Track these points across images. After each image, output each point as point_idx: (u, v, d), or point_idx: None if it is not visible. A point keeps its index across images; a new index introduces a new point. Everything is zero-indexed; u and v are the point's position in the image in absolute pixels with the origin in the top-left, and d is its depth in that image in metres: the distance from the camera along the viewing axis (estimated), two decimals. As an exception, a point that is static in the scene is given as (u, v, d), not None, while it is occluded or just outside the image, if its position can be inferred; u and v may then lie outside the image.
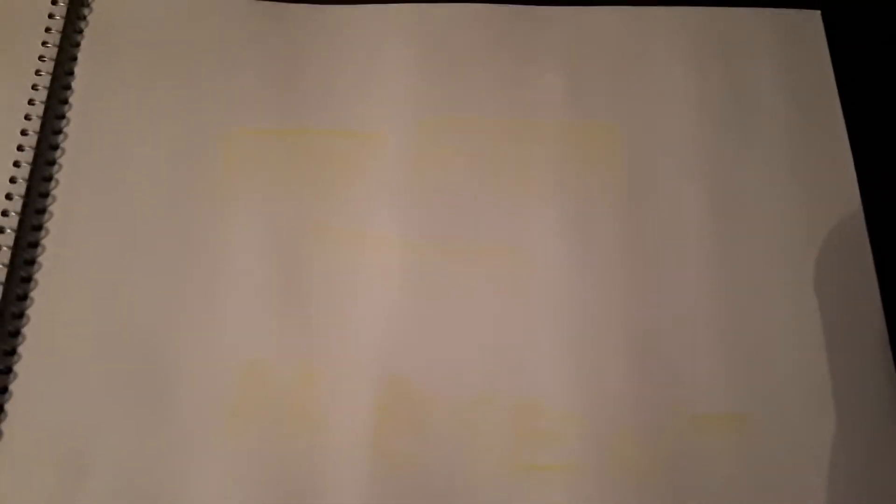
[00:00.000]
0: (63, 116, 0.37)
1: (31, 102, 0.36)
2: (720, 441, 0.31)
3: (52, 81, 0.37)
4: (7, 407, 0.31)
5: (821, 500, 0.30)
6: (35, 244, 0.34)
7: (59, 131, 0.36)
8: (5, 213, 0.34)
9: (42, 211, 0.35)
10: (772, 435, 0.31)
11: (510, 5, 0.39)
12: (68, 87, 0.37)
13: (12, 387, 0.32)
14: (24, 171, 0.35)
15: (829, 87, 0.37)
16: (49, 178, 0.35)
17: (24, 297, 0.33)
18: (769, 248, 0.34)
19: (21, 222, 0.34)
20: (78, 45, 0.38)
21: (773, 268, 0.34)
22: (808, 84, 0.37)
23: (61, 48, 0.38)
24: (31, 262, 0.34)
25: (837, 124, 0.36)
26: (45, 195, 0.35)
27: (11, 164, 0.35)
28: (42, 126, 0.36)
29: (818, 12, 0.38)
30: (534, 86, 0.37)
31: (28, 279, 0.33)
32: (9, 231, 0.34)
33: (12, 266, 0.33)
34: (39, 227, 0.34)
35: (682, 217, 0.34)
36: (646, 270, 0.34)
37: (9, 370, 0.32)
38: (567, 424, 0.31)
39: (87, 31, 0.38)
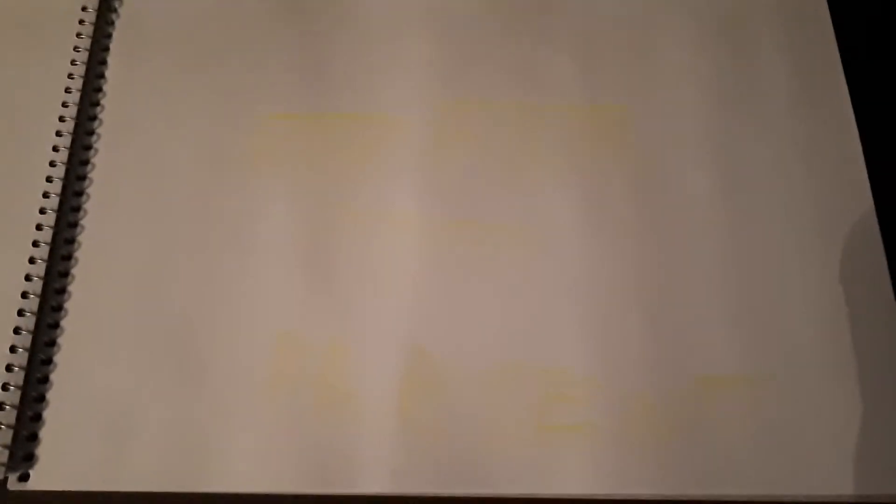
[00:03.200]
0: (98, 104, 0.38)
1: (67, 91, 0.38)
2: (734, 402, 0.32)
3: (87, 72, 0.39)
4: (52, 377, 0.33)
5: (835, 461, 0.31)
6: (74, 224, 0.36)
7: (95, 118, 0.38)
8: (46, 196, 0.36)
9: (80, 193, 0.36)
10: (786, 397, 0.32)
11: (523, -9, 0.40)
12: (102, 76, 0.39)
13: (56, 357, 0.33)
14: (63, 155, 0.37)
15: (834, 63, 0.38)
16: (86, 163, 0.37)
17: (66, 274, 0.35)
18: (778, 217, 0.35)
19: (61, 204, 0.36)
20: (110, 36, 0.40)
21: (783, 236, 0.35)
22: (813, 60, 0.38)
23: (94, 41, 0.39)
24: (71, 241, 0.35)
25: (843, 100, 0.37)
26: (83, 178, 0.37)
27: (51, 150, 0.37)
28: (78, 114, 0.38)
29: (822, -9, 0.39)
30: (546, 70, 0.39)
31: (68, 257, 0.35)
32: (50, 212, 0.35)
33: (53, 246, 0.35)
34: (78, 209, 0.36)
35: (693, 191, 0.36)
36: (658, 243, 0.35)
37: (53, 343, 0.34)
38: (586, 389, 0.33)
39: (118, 24, 0.40)
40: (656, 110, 0.37)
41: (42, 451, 0.32)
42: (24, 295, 0.34)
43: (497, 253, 0.35)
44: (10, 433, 0.31)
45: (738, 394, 0.32)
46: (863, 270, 0.34)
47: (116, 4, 0.41)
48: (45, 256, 0.35)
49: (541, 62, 0.39)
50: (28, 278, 0.34)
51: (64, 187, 0.36)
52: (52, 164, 0.36)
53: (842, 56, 0.38)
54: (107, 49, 0.40)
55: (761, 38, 0.39)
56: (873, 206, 0.35)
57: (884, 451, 0.31)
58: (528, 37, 0.39)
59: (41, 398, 0.33)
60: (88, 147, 0.37)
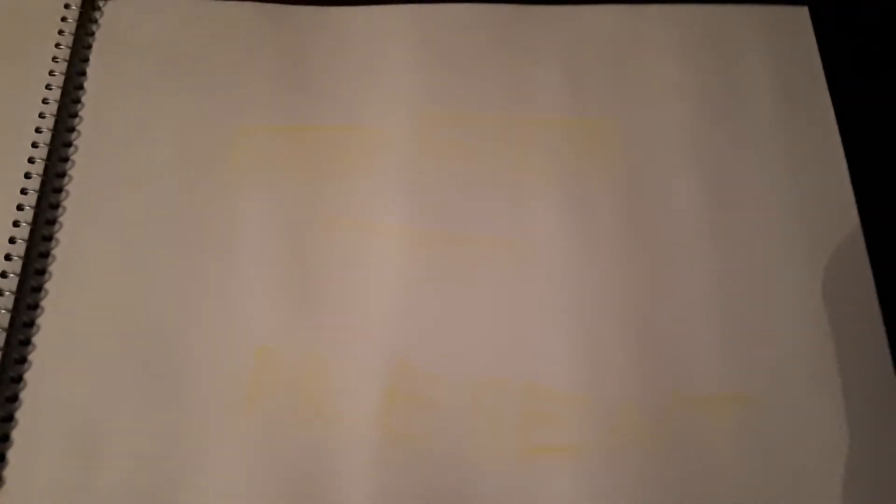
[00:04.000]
0: (76, 115, 0.38)
1: (45, 101, 0.37)
2: (722, 421, 0.32)
3: (65, 81, 0.38)
4: (22, 395, 0.32)
5: (821, 480, 0.31)
6: (49, 237, 0.35)
7: (73, 129, 0.37)
8: (20, 208, 0.35)
9: (56, 206, 0.36)
10: (773, 415, 0.32)
11: (508, 5, 0.40)
12: (80, 87, 0.38)
13: (27, 375, 0.32)
14: (39, 167, 0.36)
15: (818, 80, 0.38)
16: (63, 174, 0.36)
17: (39, 288, 0.34)
18: (765, 233, 0.35)
19: (36, 215, 0.35)
20: (89, 46, 0.39)
21: (769, 252, 0.34)
22: (798, 78, 0.38)
23: (73, 49, 0.39)
24: (46, 254, 0.34)
25: (827, 115, 0.37)
26: (59, 190, 0.36)
27: (27, 161, 0.36)
28: (56, 124, 0.37)
29: (805, 8, 0.39)
30: (532, 83, 0.38)
31: (42, 272, 0.34)
32: (24, 225, 0.34)
33: (27, 259, 0.34)
34: (54, 221, 0.35)
35: (680, 205, 0.35)
36: (645, 257, 0.34)
37: (23, 360, 0.32)
38: (572, 407, 0.32)
39: (98, 34, 0.40)
40: (643, 123, 0.37)
41: (9, 472, 0.31)
42: (-5, 310, 0.33)
43: (482, 266, 0.34)
44: (-25, 454, 0.30)
45: (726, 412, 0.32)
46: (849, 286, 0.34)
47: (97, 15, 0.40)
48: (18, 270, 0.34)
49: (527, 74, 0.38)
50: (-1, 293, 0.33)
51: (39, 198, 0.35)
52: (27, 175, 0.36)
53: (825, 69, 0.38)
54: (86, 60, 0.39)
55: (746, 52, 0.39)
56: (859, 221, 0.35)
57: (871, 471, 0.31)
58: (514, 49, 0.39)
59: (9, 417, 0.31)
60: (65, 159, 0.37)
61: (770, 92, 0.38)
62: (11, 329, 0.33)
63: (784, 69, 0.38)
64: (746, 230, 0.35)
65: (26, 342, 0.33)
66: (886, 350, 0.33)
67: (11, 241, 0.34)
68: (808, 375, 0.32)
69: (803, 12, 0.39)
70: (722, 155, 0.37)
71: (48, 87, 0.38)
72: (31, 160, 0.36)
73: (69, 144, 0.37)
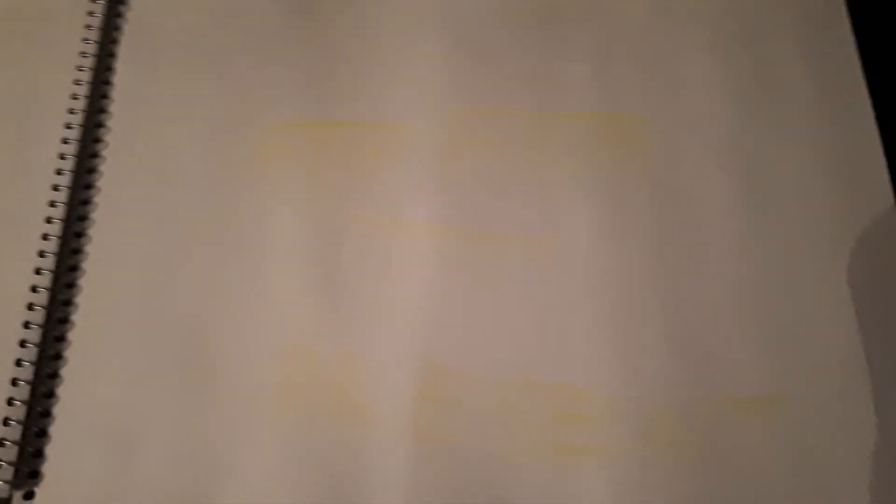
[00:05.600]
0: (105, 111, 0.38)
1: (73, 97, 0.37)
2: (756, 423, 0.31)
3: (94, 77, 0.38)
4: (58, 391, 0.32)
5: (856, 481, 0.30)
6: (81, 234, 0.35)
7: (102, 125, 0.37)
8: (53, 204, 0.35)
9: (87, 202, 0.36)
10: (807, 416, 0.31)
11: (537, -4, 0.40)
12: (108, 83, 0.38)
13: (62, 371, 0.33)
14: (69, 163, 0.36)
15: (855, 72, 0.37)
16: (93, 170, 0.36)
17: (72, 285, 0.34)
18: (800, 232, 0.34)
19: (68, 213, 0.35)
20: (116, 41, 0.39)
21: (805, 250, 0.34)
22: (833, 65, 0.37)
23: (101, 46, 0.39)
24: (78, 251, 0.35)
25: (864, 105, 0.36)
26: (90, 187, 0.36)
27: (57, 157, 0.36)
28: (85, 120, 0.37)
29: (841, -5, 0.38)
30: (560, 76, 0.38)
31: (75, 268, 0.34)
32: (56, 221, 0.35)
33: (59, 256, 0.34)
34: (85, 218, 0.35)
35: (713, 203, 0.35)
36: (679, 257, 0.34)
37: (59, 356, 0.33)
38: (603, 408, 0.32)
39: (125, 28, 0.39)
40: (675, 119, 0.37)
41: (48, 468, 0.31)
42: (30, 307, 0.33)
43: (513, 265, 0.34)
44: (14, 450, 0.31)
45: (761, 415, 0.31)
46: (884, 286, 0.33)
47: (123, 9, 0.40)
48: (51, 267, 0.34)
49: (556, 70, 0.38)
50: (34, 289, 0.33)
51: (70, 196, 0.35)
52: (58, 172, 0.36)
53: (862, 61, 0.37)
54: (113, 55, 0.39)
55: (781, 45, 0.38)
56: (896, 215, 0.34)
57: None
58: (543, 44, 0.38)
59: (47, 413, 0.32)
60: (95, 155, 0.37)
61: (805, 85, 0.37)
62: (47, 325, 0.33)
63: (819, 61, 0.37)
64: (780, 229, 0.34)
65: (61, 338, 0.33)
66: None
67: (45, 237, 0.34)
68: (843, 376, 0.32)
69: (839, 1, 0.38)
70: (756, 151, 0.36)
71: (77, 82, 0.38)
72: (62, 156, 0.36)
73: (99, 140, 0.37)
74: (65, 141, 0.36)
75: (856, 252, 0.34)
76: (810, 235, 0.34)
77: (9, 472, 0.30)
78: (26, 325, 0.33)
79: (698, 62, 0.38)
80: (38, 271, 0.34)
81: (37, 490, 0.31)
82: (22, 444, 0.31)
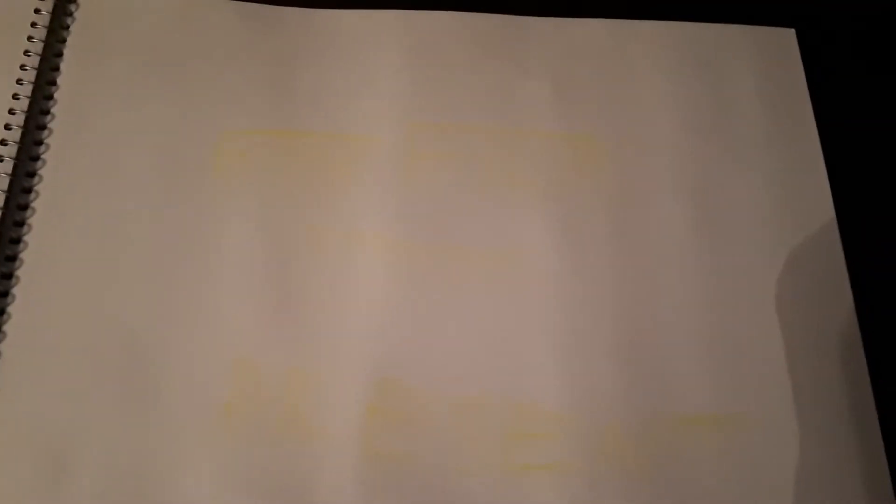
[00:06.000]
0: (48, 112, 0.36)
1: (15, 97, 0.36)
2: (707, 441, 0.32)
3: (37, 77, 0.36)
4: (-14, 406, 0.30)
5: (806, 501, 0.31)
6: (17, 240, 0.33)
7: (44, 127, 0.36)
8: (-13, 208, 0.33)
9: (25, 207, 0.34)
10: (757, 435, 0.32)
11: (497, 14, 0.40)
12: (53, 83, 0.37)
13: (-8, 385, 0.31)
14: (7, 165, 0.34)
15: (804, 101, 0.38)
16: (32, 174, 0.35)
17: (5, 294, 0.32)
18: (749, 253, 0.35)
19: (3, 218, 0.33)
20: (64, 41, 0.38)
21: (754, 272, 0.35)
22: (784, 97, 0.38)
23: (47, 44, 0.37)
24: (13, 258, 0.33)
25: (812, 135, 0.37)
26: (29, 191, 0.34)
27: (-6, 159, 0.34)
28: (26, 121, 0.35)
29: (793, 30, 0.40)
30: (520, 95, 0.38)
31: (9, 276, 0.33)
32: (-10, 226, 0.33)
33: (-7, 262, 0.32)
34: (22, 223, 0.34)
35: (667, 224, 0.35)
36: (632, 275, 0.34)
37: (-12, 368, 0.31)
38: (558, 425, 0.32)
39: (73, 28, 0.38)
40: (631, 139, 0.37)
41: (-28, 488, 0.29)
42: (-42, 316, 0.31)
43: (468, 280, 0.34)
44: (-65, 468, 0.29)
45: (711, 432, 0.32)
46: (830, 306, 0.34)
47: (72, 8, 0.39)
48: (-17, 274, 0.32)
49: (516, 86, 0.38)
50: (-37, 297, 0.32)
51: (7, 199, 0.34)
52: (-5, 172, 0.34)
53: (810, 89, 0.38)
54: (60, 55, 0.37)
55: (734, 71, 0.39)
56: (840, 241, 0.35)
57: (856, 490, 0.31)
58: (504, 62, 0.38)
59: (-27, 429, 0.30)
60: (36, 157, 0.35)
61: (757, 111, 0.38)
62: (-25, 336, 0.31)
63: (771, 89, 0.38)
64: (730, 249, 0.35)
65: (-9, 350, 0.31)
66: (865, 370, 0.33)
67: (-23, 243, 0.33)
68: (792, 396, 0.32)
69: (790, 34, 0.40)
70: (709, 173, 0.37)
71: (19, 81, 0.36)
72: (-1, 158, 0.34)
73: (40, 143, 0.35)
74: (2, 142, 0.35)
75: (802, 270, 0.35)
76: (759, 256, 0.35)
77: (-73, 493, 0.28)
78: (-47, 335, 0.31)
79: (655, 86, 0.38)
80: (-32, 278, 0.32)
81: (-43, 512, 0.29)
82: (-57, 462, 0.29)
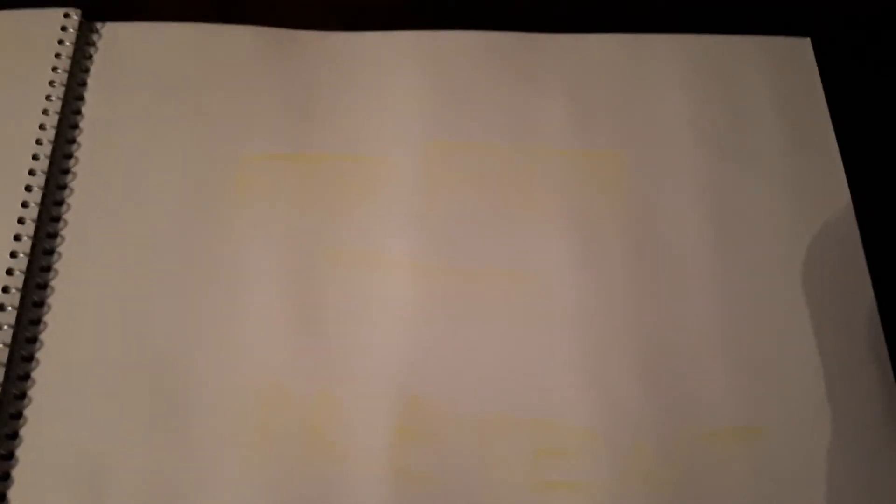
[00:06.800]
0: (74, 141, 0.37)
1: (41, 128, 0.36)
2: (733, 455, 0.32)
3: (63, 106, 0.37)
4: (22, 432, 0.31)
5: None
6: (47, 268, 0.34)
7: (70, 156, 0.36)
8: (17, 238, 0.34)
9: (54, 235, 0.35)
10: (784, 448, 0.32)
11: (513, 32, 0.40)
12: (78, 112, 0.37)
13: (26, 411, 0.31)
14: (37, 195, 0.35)
15: (822, 111, 0.38)
16: (60, 203, 0.35)
17: (37, 321, 0.33)
18: (771, 267, 0.35)
19: (33, 246, 0.34)
20: (88, 71, 0.38)
21: (776, 285, 0.35)
22: (801, 108, 0.38)
23: (71, 73, 0.38)
24: (44, 286, 0.34)
25: (830, 145, 0.37)
26: (58, 219, 0.35)
27: (23, 189, 0.35)
28: (53, 151, 0.36)
29: (808, 39, 0.40)
30: (537, 112, 0.38)
31: (41, 304, 0.33)
32: (21, 255, 0.34)
33: (24, 291, 0.33)
34: (52, 252, 0.34)
35: (687, 239, 0.35)
36: (653, 290, 0.34)
37: (23, 395, 0.32)
38: (583, 442, 0.32)
39: (96, 58, 0.39)
40: (649, 155, 0.37)
41: (10, 513, 0.30)
42: (-7, 344, 0.32)
43: (490, 300, 0.34)
44: (-25, 496, 0.29)
45: (739, 446, 0.32)
46: (854, 317, 0.34)
47: (94, 38, 0.39)
48: (16, 303, 0.33)
49: (532, 105, 0.38)
50: (-4, 326, 0.32)
51: (37, 228, 0.34)
52: (24, 204, 0.35)
53: (828, 100, 0.38)
54: (84, 84, 0.38)
55: (751, 83, 0.39)
56: (863, 252, 0.35)
57: (881, 500, 0.31)
58: (519, 78, 0.39)
59: (10, 455, 0.31)
60: (63, 186, 0.36)
61: (775, 122, 0.38)
62: (10, 364, 0.32)
63: (788, 100, 0.38)
64: (752, 263, 0.35)
65: (25, 377, 0.32)
66: (892, 379, 0.33)
67: (9, 272, 0.33)
68: (818, 406, 0.32)
69: (806, 43, 0.40)
70: (728, 186, 0.37)
71: (45, 112, 0.37)
72: (27, 188, 0.35)
73: (67, 172, 0.36)
74: (31, 172, 0.35)
75: (825, 282, 0.35)
76: (781, 270, 0.35)
77: (-32, 520, 0.29)
78: (-12, 363, 0.32)
79: (672, 99, 0.38)
80: (1, 307, 0.33)
81: (-3, 538, 0.29)
82: (-18, 489, 0.30)
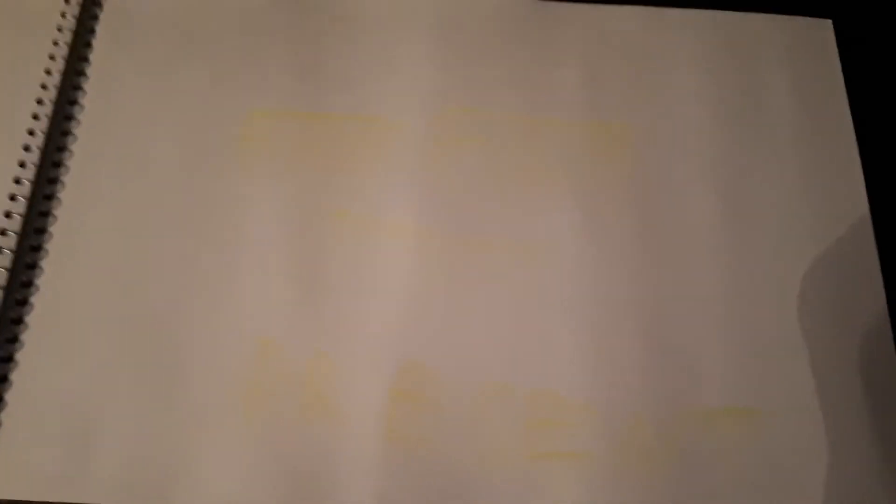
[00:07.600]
0: (79, 88, 0.36)
1: (47, 72, 0.36)
2: (730, 434, 0.31)
3: (69, 56, 0.36)
4: (12, 377, 0.31)
5: (829, 496, 0.30)
6: (46, 213, 0.34)
7: (75, 102, 0.36)
8: (17, 181, 0.33)
9: (55, 181, 0.34)
10: (781, 429, 0.31)
11: None
12: (85, 59, 0.37)
13: (18, 356, 0.31)
14: (34, 156, 0.34)
15: (839, 93, 0.37)
16: (63, 149, 0.35)
17: (34, 266, 0.33)
18: (779, 247, 0.34)
19: (31, 199, 0.33)
20: (93, 30, 0.38)
21: (783, 265, 0.34)
22: (819, 89, 0.37)
23: (78, 23, 0.37)
24: (42, 231, 0.33)
25: (847, 130, 0.37)
26: (59, 165, 0.35)
27: (26, 132, 0.34)
28: (58, 98, 0.35)
29: (829, 21, 0.39)
30: (550, 82, 0.37)
31: (38, 248, 0.33)
32: (20, 199, 0.33)
33: (19, 245, 0.33)
34: (51, 197, 0.34)
35: (694, 215, 0.35)
36: (658, 266, 0.34)
37: (15, 339, 0.31)
38: (578, 414, 0.31)
39: (102, 16, 0.38)
40: (660, 129, 0.37)
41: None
42: (-13, 286, 0.32)
43: (493, 268, 0.34)
44: (-38, 435, 0.29)
45: (735, 425, 0.31)
46: (861, 301, 0.33)
47: (101, -6, 0.39)
48: (13, 247, 0.32)
49: (546, 74, 0.37)
50: (-8, 269, 0.32)
51: (38, 173, 0.34)
52: (26, 148, 0.34)
53: (846, 82, 0.38)
54: (92, 33, 0.37)
55: (768, 62, 0.38)
56: (874, 236, 0.35)
57: (881, 487, 0.30)
58: (535, 49, 0.38)
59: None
60: (67, 133, 0.35)
61: (790, 104, 0.37)
62: (4, 308, 0.31)
63: (805, 81, 0.38)
64: (760, 243, 0.34)
65: (18, 321, 0.32)
66: (895, 366, 0.32)
67: (7, 215, 0.33)
68: (817, 390, 0.32)
69: (827, 24, 0.39)
70: (739, 164, 0.36)
71: (51, 57, 0.36)
72: (30, 132, 0.34)
73: (71, 118, 0.36)
74: (35, 117, 0.35)
75: (833, 265, 0.34)
76: (789, 251, 0.34)
77: (-46, 459, 0.29)
78: (-18, 305, 0.31)
79: (687, 75, 0.38)
80: (-2, 250, 0.32)
81: (-17, 479, 0.29)
82: (-31, 429, 0.29)
